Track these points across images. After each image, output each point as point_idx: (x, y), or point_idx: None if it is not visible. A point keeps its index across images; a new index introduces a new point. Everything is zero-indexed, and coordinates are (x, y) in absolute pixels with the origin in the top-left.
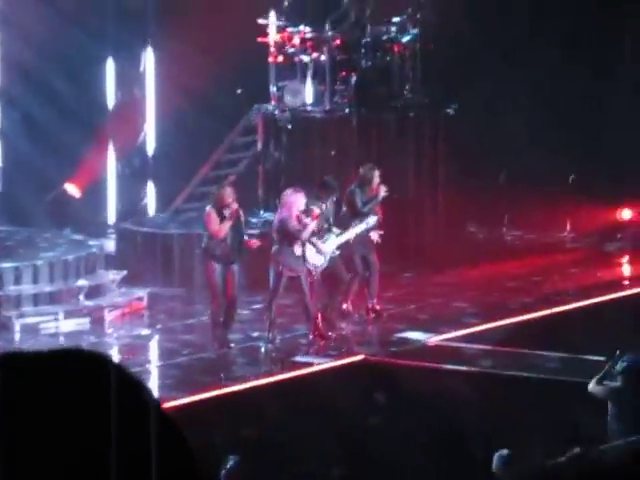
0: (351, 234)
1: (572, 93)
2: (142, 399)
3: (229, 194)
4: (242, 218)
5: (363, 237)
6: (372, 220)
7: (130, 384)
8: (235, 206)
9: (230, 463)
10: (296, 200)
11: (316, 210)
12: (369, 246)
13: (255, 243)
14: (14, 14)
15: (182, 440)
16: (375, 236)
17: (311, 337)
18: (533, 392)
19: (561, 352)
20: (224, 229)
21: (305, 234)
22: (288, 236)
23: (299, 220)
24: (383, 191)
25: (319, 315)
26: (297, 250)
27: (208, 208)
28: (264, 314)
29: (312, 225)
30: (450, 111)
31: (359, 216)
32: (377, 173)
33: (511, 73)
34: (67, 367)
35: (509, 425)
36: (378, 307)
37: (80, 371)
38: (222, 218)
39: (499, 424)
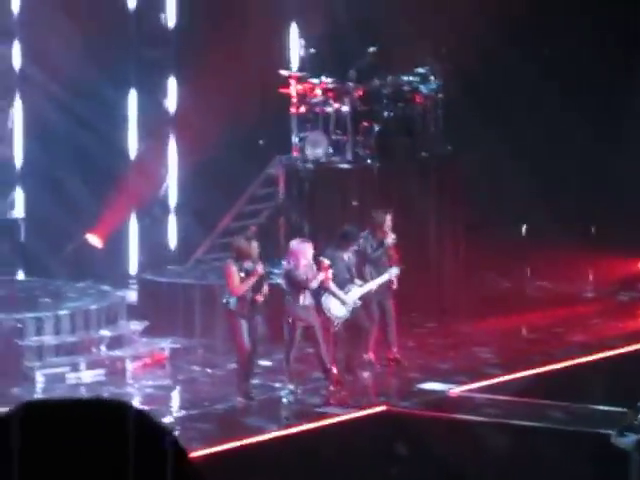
0: (374, 284)
1: (592, 140)
2: (163, 446)
3: (254, 248)
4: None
5: (379, 285)
6: (394, 271)
7: (152, 431)
8: (260, 269)
9: None
10: (303, 250)
11: (325, 261)
12: (386, 293)
13: (259, 298)
14: (34, 70)
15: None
16: (393, 281)
17: (331, 388)
18: (555, 443)
19: (583, 403)
20: (243, 288)
21: (313, 284)
22: (295, 286)
23: (306, 270)
24: (391, 238)
25: (334, 366)
26: (303, 300)
27: (228, 261)
28: (283, 366)
29: (321, 276)
30: (470, 160)
31: (369, 262)
32: (388, 218)
33: (533, 121)
34: (90, 415)
35: (532, 477)
36: (398, 356)
37: (102, 419)
38: (243, 271)
39: (522, 476)
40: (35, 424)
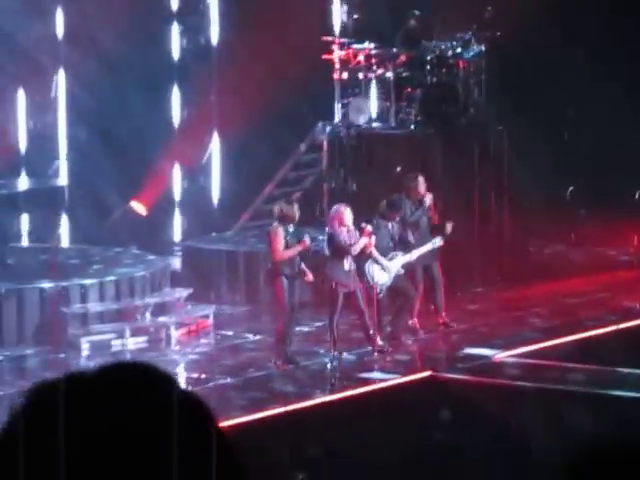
0: (416, 254)
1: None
2: (198, 419)
3: (297, 212)
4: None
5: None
6: (438, 240)
7: (188, 403)
8: (308, 241)
9: None
10: (343, 215)
11: (368, 227)
12: (432, 257)
13: (309, 278)
14: (82, 32)
15: (235, 463)
16: (439, 240)
17: (375, 354)
18: (599, 408)
19: (627, 368)
20: (288, 254)
21: (356, 249)
22: (337, 251)
23: (349, 235)
24: (429, 198)
25: (377, 332)
26: (345, 265)
27: (275, 224)
28: (327, 332)
29: (363, 241)
30: (516, 127)
31: (409, 226)
32: (421, 180)
33: (579, 88)
34: (128, 385)
35: (578, 442)
36: (447, 320)
37: (139, 387)
38: (288, 235)
39: (568, 441)
40: (76, 396)
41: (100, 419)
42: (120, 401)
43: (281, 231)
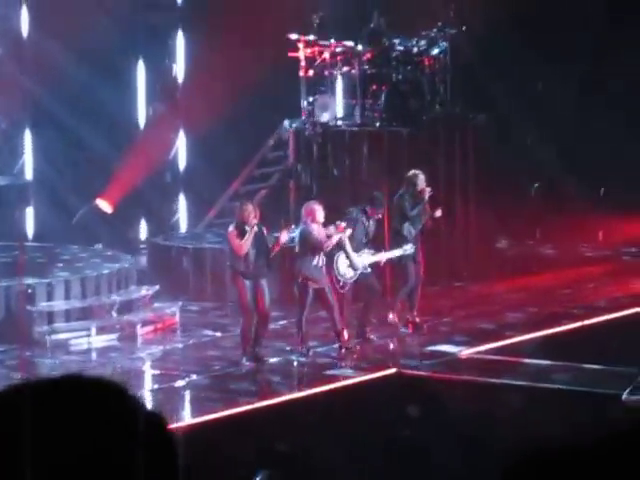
0: (385, 256)
1: (601, 105)
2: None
3: (250, 210)
4: (265, 233)
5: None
6: (409, 247)
7: (141, 416)
8: (254, 222)
9: (259, 477)
10: (315, 211)
11: (342, 224)
12: (412, 255)
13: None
14: (47, 27)
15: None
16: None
17: (342, 350)
18: (564, 404)
19: (593, 364)
20: (245, 246)
21: (328, 244)
22: (309, 247)
23: (319, 231)
24: (428, 192)
25: (345, 328)
26: (316, 261)
27: (231, 226)
28: (295, 328)
29: (336, 237)
30: (479, 121)
31: (408, 220)
32: (422, 177)
33: (541, 84)
34: (76, 396)
35: (541, 438)
36: (418, 319)
37: (90, 401)
38: (242, 234)
39: (531, 437)
40: (29, 405)
41: (51, 434)
42: (70, 415)
43: (235, 231)
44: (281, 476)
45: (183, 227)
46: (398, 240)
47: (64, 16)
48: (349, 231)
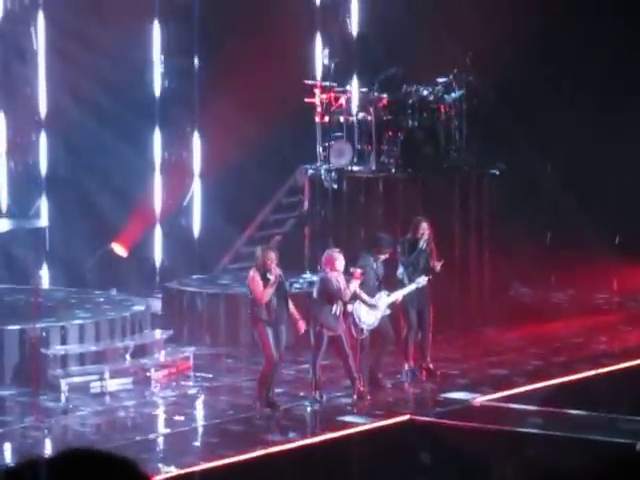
0: (401, 293)
1: (617, 154)
2: None
3: (272, 257)
4: (284, 280)
5: (419, 293)
6: (422, 280)
7: None
8: (278, 271)
9: None
10: (336, 260)
11: (358, 270)
12: (424, 301)
13: (301, 327)
14: (62, 72)
15: None
16: (423, 280)
17: (355, 397)
18: (579, 452)
19: (607, 412)
20: (267, 294)
21: (346, 293)
22: (328, 296)
23: (338, 280)
24: (423, 240)
25: (360, 375)
26: (335, 309)
27: (252, 272)
28: (309, 374)
29: (354, 285)
30: (495, 171)
31: (405, 267)
32: (423, 225)
33: (556, 133)
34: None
35: None
36: (432, 366)
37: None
38: (265, 281)
39: None
40: None
41: None
42: None
43: (257, 275)
44: None
45: (198, 271)
46: (398, 284)
47: (80, 72)
48: (356, 282)
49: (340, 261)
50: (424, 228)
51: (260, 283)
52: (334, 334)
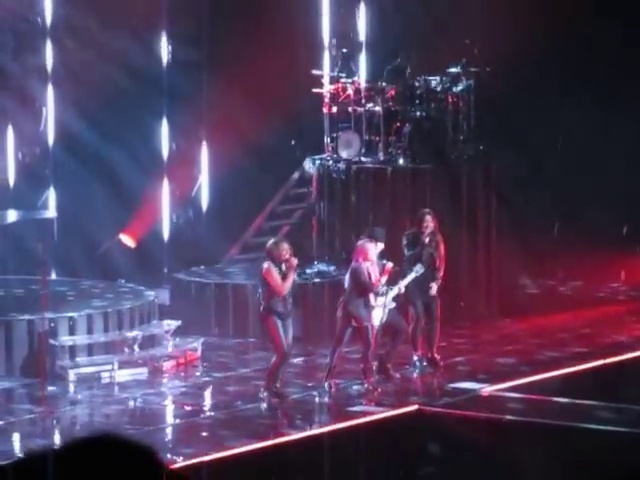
0: (402, 285)
1: (625, 144)
2: None
3: (287, 249)
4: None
5: (425, 284)
6: (419, 268)
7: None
8: (295, 262)
9: None
10: (368, 250)
11: (389, 264)
12: (431, 295)
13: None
14: (70, 64)
15: None
16: (434, 289)
17: (366, 386)
18: (587, 442)
19: (615, 402)
20: (287, 286)
21: (377, 285)
22: (360, 287)
23: (370, 271)
24: (427, 234)
25: (373, 366)
26: (372, 301)
27: (267, 264)
28: (326, 361)
29: (384, 279)
30: (503, 162)
31: (404, 262)
32: (427, 218)
33: (567, 124)
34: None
35: (563, 475)
36: (437, 356)
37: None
38: (281, 273)
39: (552, 474)
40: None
41: None
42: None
43: (273, 267)
44: None
45: (206, 262)
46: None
47: (88, 64)
48: (386, 277)
49: (373, 251)
50: (428, 221)
51: (278, 275)
52: (361, 325)
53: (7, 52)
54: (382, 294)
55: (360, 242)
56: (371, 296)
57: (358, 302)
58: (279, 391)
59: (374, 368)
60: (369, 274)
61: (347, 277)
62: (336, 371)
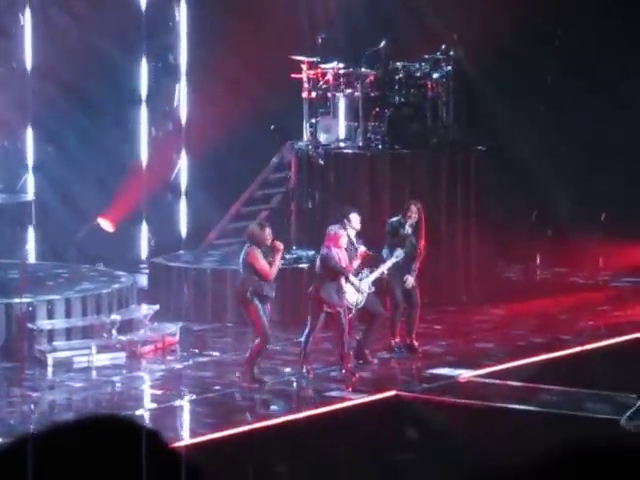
0: (382, 269)
1: (604, 133)
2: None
3: (269, 233)
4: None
5: (404, 271)
6: (399, 253)
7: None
8: (281, 246)
9: None
10: (339, 238)
11: (362, 248)
12: (414, 278)
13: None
14: (48, 55)
15: None
16: (409, 281)
17: (343, 372)
18: (563, 428)
19: (591, 389)
20: (275, 270)
21: (350, 270)
22: (331, 272)
23: (340, 257)
24: (409, 223)
25: (351, 352)
26: (342, 286)
27: (249, 249)
28: (300, 348)
29: (356, 263)
30: (482, 148)
31: (390, 248)
32: (412, 208)
33: (546, 111)
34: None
35: (543, 460)
36: (416, 343)
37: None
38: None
39: (529, 461)
40: (52, 451)
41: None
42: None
43: (258, 251)
44: None
45: (184, 247)
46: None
47: (70, 39)
48: (358, 261)
49: (344, 238)
50: (413, 212)
51: (263, 259)
52: (332, 310)
53: None
54: (361, 279)
55: (331, 228)
56: (342, 281)
57: (330, 287)
58: (257, 376)
59: (351, 353)
60: (339, 259)
61: (317, 263)
62: (312, 357)
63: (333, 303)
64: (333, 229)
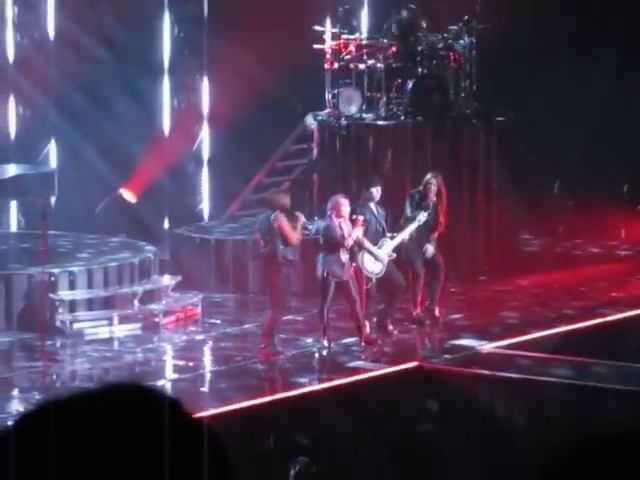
0: (405, 234)
1: (627, 102)
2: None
3: (289, 199)
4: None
5: (422, 242)
6: (422, 217)
7: (185, 422)
8: (302, 217)
9: (299, 465)
10: (340, 206)
11: (360, 217)
12: (434, 247)
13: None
14: (67, 25)
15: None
16: (430, 250)
17: (362, 344)
18: (586, 399)
19: (615, 360)
20: (298, 236)
21: (349, 241)
22: (332, 242)
23: (341, 227)
24: (431, 196)
25: (367, 322)
26: (342, 257)
27: (276, 213)
28: (317, 321)
29: (357, 232)
30: (504, 119)
31: (407, 221)
32: (434, 182)
33: (567, 82)
34: (121, 408)
35: (560, 432)
36: (437, 312)
37: (135, 409)
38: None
39: (551, 431)
40: (68, 422)
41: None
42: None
43: (283, 217)
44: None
45: (206, 218)
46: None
47: (93, 14)
48: (359, 229)
49: (345, 207)
50: (432, 183)
51: (289, 225)
52: (340, 280)
53: None
54: (380, 246)
55: (333, 198)
56: (341, 252)
57: (333, 258)
58: (278, 346)
59: (367, 323)
60: (342, 230)
61: (320, 235)
62: (330, 327)
63: (337, 274)
64: (335, 198)
